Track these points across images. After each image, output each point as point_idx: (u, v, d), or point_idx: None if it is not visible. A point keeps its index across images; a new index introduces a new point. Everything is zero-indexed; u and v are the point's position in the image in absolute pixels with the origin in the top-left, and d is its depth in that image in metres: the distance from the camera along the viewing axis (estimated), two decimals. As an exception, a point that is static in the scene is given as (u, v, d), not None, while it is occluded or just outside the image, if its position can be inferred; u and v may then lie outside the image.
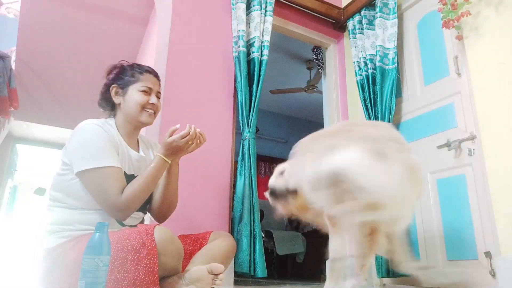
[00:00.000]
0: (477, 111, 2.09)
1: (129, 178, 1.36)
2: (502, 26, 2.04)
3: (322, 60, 3.55)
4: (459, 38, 2.22)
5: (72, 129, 1.37)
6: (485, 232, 1.94)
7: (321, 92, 3.69)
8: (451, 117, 2.28)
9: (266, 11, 2.69)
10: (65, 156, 1.34)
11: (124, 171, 1.37)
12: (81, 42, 4.27)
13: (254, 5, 2.66)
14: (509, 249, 1.81)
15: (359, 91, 2.76)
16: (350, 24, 3.01)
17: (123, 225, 1.38)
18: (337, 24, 3.22)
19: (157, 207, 1.50)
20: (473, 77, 2.16)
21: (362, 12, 2.90)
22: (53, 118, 4.94)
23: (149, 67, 1.54)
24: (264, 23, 2.65)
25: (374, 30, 2.79)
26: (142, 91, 1.45)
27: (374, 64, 2.70)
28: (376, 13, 2.77)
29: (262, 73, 2.55)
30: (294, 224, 5.80)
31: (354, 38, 2.93)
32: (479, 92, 2.11)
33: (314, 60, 4.27)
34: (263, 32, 2.63)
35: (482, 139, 2.05)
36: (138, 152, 1.51)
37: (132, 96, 1.45)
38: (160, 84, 1.55)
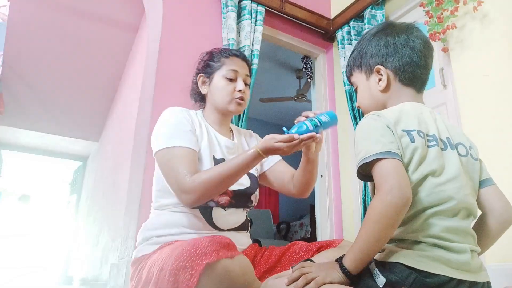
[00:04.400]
0: (462, 122, 2.13)
1: (219, 162, 1.23)
2: (487, 39, 2.09)
3: (312, 69, 3.58)
4: (445, 50, 2.26)
5: (58, 135, 1.33)
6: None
7: (310, 101, 3.71)
8: (437, 128, 2.31)
9: (256, 20, 2.71)
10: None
11: (214, 155, 1.25)
12: (69, 48, 4.24)
13: (244, 15, 2.68)
14: (495, 258, 1.83)
15: (347, 100, 2.79)
16: (339, 34, 3.05)
17: (217, 229, 1.19)
18: (326, 34, 3.26)
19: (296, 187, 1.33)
20: (458, 89, 2.20)
21: (351, 24, 2.95)
22: (39, 124, 4.87)
23: (237, 50, 1.39)
24: (254, 32, 2.67)
25: (363, 41, 2.83)
26: (228, 78, 1.30)
27: (363, 75, 2.74)
28: (364, 24, 2.81)
29: (252, 81, 2.56)
30: (282, 232, 5.79)
31: (342, 48, 2.97)
32: (464, 104, 2.15)
33: (304, 70, 4.31)
34: (253, 41, 2.65)
35: (467, 149, 2.08)
36: (232, 140, 1.37)
37: (217, 84, 1.31)
38: (249, 68, 1.39)
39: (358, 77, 1.01)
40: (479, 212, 0.94)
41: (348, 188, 2.92)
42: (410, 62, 0.93)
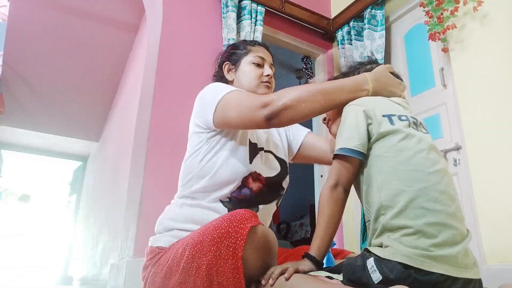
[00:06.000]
0: (462, 122, 2.13)
1: (254, 146, 1.21)
2: (487, 38, 2.09)
3: (312, 69, 3.58)
4: (445, 50, 2.26)
5: (58, 135, 1.31)
6: (470, 242, 1.96)
7: (310, 101, 3.72)
8: (437, 128, 2.32)
9: (256, 20, 2.71)
10: (194, 123, 1.20)
11: (249, 138, 1.21)
12: (69, 48, 4.24)
13: (244, 14, 2.68)
14: (494, 258, 1.84)
15: (347, 100, 2.79)
16: (339, 34, 3.05)
17: None
18: (326, 34, 3.25)
19: None
20: (459, 89, 2.20)
21: (351, 24, 2.94)
22: (39, 124, 4.87)
23: (261, 42, 1.39)
24: (254, 32, 2.67)
25: (363, 41, 2.83)
26: (254, 63, 1.28)
27: (363, 75, 2.74)
28: (365, 24, 2.81)
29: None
30: (282, 232, 5.79)
31: (343, 48, 2.97)
32: (464, 103, 2.15)
33: (304, 70, 4.31)
34: (253, 41, 2.65)
35: (467, 149, 2.08)
36: None
37: (244, 69, 1.28)
38: (272, 58, 1.37)
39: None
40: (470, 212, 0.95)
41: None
42: None
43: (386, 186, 0.85)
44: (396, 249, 0.79)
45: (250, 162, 1.16)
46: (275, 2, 2.93)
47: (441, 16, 2.19)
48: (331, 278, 0.84)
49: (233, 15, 2.61)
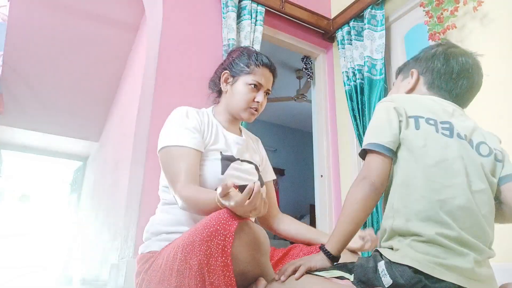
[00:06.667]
0: (463, 122, 2.13)
1: (226, 158, 1.23)
2: (487, 39, 2.09)
3: (312, 69, 3.58)
4: (445, 50, 2.26)
5: (58, 135, 1.31)
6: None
7: (310, 101, 3.71)
8: (437, 128, 2.31)
9: (256, 20, 2.71)
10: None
11: (221, 151, 1.24)
12: (69, 47, 4.24)
13: (244, 14, 2.68)
14: (495, 258, 1.83)
15: (347, 100, 2.79)
16: (339, 35, 3.05)
17: None
18: (326, 34, 3.25)
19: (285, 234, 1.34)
20: (459, 89, 2.20)
21: (351, 24, 2.94)
22: (38, 124, 4.88)
23: (268, 59, 1.36)
24: (254, 32, 2.67)
25: (363, 41, 2.83)
26: (251, 84, 1.29)
27: (362, 75, 2.74)
28: (364, 24, 2.81)
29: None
30: (282, 232, 5.78)
31: (343, 48, 2.97)
32: (464, 104, 2.14)
33: (304, 70, 4.30)
34: (253, 41, 2.65)
35: (467, 149, 2.08)
36: (240, 136, 1.38)
37: (238, 89, 1.30)
38: (274, 81, 1.39)
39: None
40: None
41: (348, 188, 2.92)
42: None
43: (401, 189, 0.84)
44: (406, 253, 0.78)
45: (222, 173, 1.18)
46: (275, 2, 2.93)
47: (441, 16, 2.19)
48: (342, 278, 0.83)
49: (233, 15, 2.61)
